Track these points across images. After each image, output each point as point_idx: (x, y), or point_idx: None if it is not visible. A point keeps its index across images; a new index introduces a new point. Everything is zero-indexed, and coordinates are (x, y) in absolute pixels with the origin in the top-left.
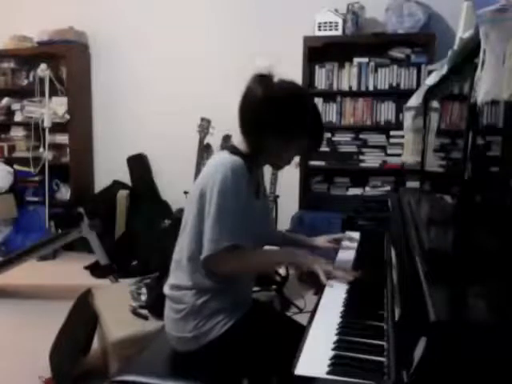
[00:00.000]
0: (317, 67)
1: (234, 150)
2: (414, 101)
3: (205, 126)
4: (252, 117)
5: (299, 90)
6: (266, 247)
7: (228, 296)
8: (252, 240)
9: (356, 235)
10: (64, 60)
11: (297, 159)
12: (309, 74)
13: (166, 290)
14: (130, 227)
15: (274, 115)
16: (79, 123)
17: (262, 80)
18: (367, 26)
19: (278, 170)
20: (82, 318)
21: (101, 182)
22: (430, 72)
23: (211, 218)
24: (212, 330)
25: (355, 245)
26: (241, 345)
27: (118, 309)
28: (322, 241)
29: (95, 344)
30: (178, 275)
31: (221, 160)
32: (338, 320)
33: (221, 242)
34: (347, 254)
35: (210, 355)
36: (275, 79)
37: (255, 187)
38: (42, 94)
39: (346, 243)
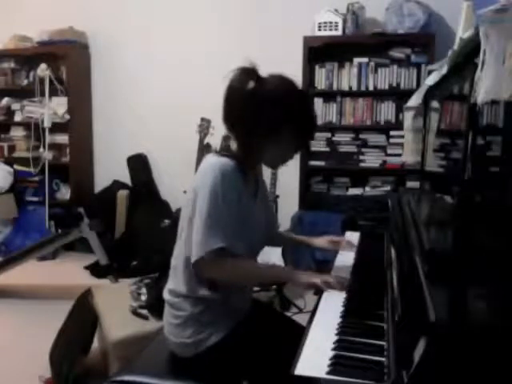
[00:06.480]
0: (317, 67)
1: (222, 152)
2: (414, 101)
3: (205, 126)
4: (236, 113)
5: (287, 83)
6: (267, 248)
7: (225, 305)
8: (246, 243)
9: (356, 236)
10: (64, 60)
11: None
12: (309, 74)
13: (165, 294)
14: (130, 227)
15: (259, 111)
16: (79, 123)
17: (246, 73)
18: (367, 26)
19: (273, 168)
20: (82, 317)
21: (101, 182)
22: (429, 72)
23: (200, 221)
24: (211, 336)
25: (353, 250)
26: (241, 346)
27: (118, 309)
28: (321, 241)
29: (95, 344)
30: (175, 281)
31: (209, 163)
32: (338, 320)
33: (209, 244)
34: (346, 258)
35: (210, 358)
36: (262, 73)
37: (252, 187)
38: (42, 94)
39: (344, 248)
